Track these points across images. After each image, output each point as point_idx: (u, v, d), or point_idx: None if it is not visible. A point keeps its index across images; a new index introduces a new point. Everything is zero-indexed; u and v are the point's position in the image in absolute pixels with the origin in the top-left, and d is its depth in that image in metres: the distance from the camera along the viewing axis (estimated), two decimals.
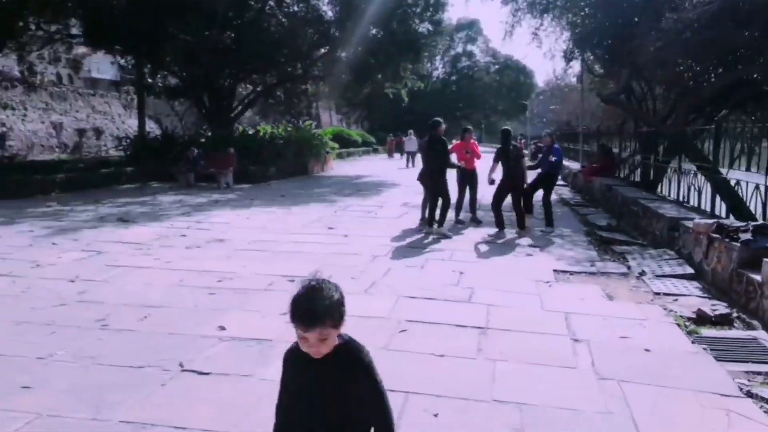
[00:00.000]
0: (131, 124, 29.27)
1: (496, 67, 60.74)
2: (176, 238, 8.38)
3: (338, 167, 25.73)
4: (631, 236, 9.18)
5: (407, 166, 26.32)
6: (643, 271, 6.68)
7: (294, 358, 1.75)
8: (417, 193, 13.87)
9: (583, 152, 19.06)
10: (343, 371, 1.71)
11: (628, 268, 6.90)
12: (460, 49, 59.84)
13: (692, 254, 6.85)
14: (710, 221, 6.48)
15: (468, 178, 9.93)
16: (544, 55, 53.78)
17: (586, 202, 13.75)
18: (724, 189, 7.95)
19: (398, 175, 21.28)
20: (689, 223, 7.06)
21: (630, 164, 14.48)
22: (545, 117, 54.96)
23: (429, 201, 9.55)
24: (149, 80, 22.01)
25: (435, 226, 8.90)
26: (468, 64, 60.35)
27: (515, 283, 5.99)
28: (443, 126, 9.04)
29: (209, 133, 20.53)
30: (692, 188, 9.19)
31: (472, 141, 10.06)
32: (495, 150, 9.39)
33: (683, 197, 9.48)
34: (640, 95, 14.98)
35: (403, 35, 20.78)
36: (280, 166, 19.18)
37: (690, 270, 6.60)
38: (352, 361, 1.72)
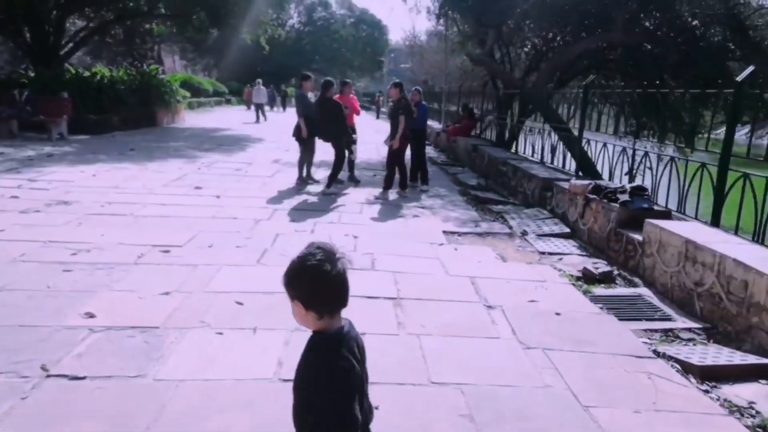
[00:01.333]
0: None
1: (352, 20, 59.83)
2: (5, 199, 6.93)
3: (190, 118, 23.64)
4: (502, 195, 9.52)
5: (257, 119, 24.07)
6: (524, 230, 6.90)
7: None
8: (285, 149, 13.19)
9: (446, 112, 19.52)
10: (302, 362, 1.44)
11: (510, 228, 7.09)
12: None
13: (566, 214, 7.22)
14: (586, 182, 6.82)
15: None
16: (410, 10, 54.04)
17: (451, 162, 14.11)
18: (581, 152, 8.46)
19: (258, 130, 20.12)
20: (564, 184, 7.41)
21: (486, 124, 15.13)
22: (399, 75, 55.73)
23: (306, 159, 9.07)
24: None
25: (330, 186, 8.50)
26: (324, 15, 58.57)
27: (412, 246, 5.81)
28: (334, 87, 8.53)
29: (32, 74, 17.49)
30: (557, 150, 9.73)
31: (351, 95, 9.62)
32: (397, 105, 8.51)
33: (546, 158, 10.01)
34: (500, 59, 15.55)
35: None
36: (123, 116, 17.03)
37: (567, 229, 6.95)
38: (304, 356, 1.44)
